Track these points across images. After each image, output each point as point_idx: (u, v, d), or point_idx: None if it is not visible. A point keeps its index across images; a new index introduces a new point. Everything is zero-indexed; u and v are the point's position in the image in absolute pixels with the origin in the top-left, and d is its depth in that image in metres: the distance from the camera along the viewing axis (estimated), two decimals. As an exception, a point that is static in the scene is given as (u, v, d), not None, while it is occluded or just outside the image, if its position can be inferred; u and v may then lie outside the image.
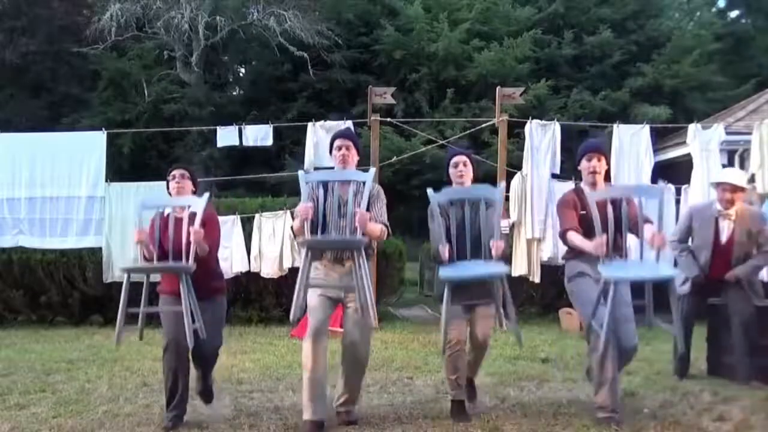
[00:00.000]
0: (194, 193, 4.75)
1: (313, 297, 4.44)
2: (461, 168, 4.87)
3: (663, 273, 4.39)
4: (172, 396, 4.47)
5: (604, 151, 4.90)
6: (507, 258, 4.79)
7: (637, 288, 4.46)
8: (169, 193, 4.71)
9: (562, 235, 4.78)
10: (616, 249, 4.49)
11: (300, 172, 4.56)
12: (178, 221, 4.52)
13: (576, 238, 4.62)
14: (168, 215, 4.57)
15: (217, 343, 4.83)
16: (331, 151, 4.70)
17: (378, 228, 4.50)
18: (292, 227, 4.69)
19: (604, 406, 4.50)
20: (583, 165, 4.81)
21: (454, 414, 4.63)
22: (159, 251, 4.53)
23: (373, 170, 4.53)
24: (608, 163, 4.88)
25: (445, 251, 4.47)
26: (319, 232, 4.41)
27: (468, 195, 4.67)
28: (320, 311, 4.43)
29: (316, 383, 4.34)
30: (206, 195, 4.64)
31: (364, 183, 4.43)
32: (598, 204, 4.42)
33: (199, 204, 4.48)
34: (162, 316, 4.57)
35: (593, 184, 4.76)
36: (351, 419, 4.55)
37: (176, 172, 4.67)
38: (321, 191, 4.47)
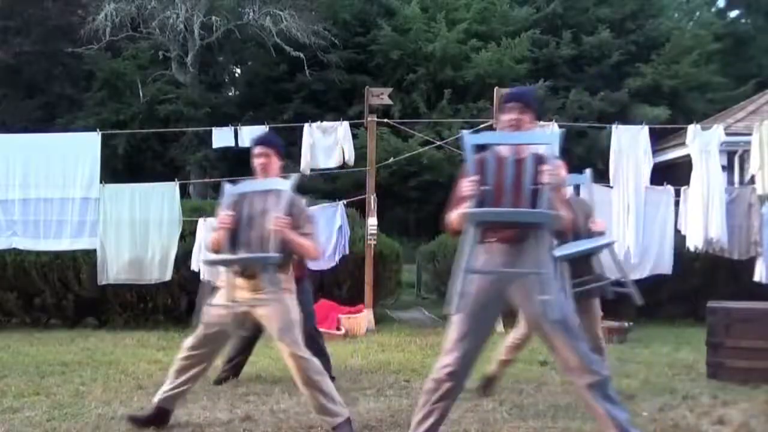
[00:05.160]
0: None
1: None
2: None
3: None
4: None
5: (529, 102, 3.85)
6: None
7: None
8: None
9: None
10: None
11: (227, 186, 4.42)
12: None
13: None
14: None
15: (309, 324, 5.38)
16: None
17: (306, 240, 4.30)
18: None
19: None
20: (502, 119, 3.88)
21: None
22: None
23: (294, 177, 4.36)
24: (535, 119, 3.84)
25: None
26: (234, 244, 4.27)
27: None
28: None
29: None
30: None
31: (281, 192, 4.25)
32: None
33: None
34: None
35: None
36: None
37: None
38: (241, 202, 4.34)
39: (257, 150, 4.45)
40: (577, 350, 3.55)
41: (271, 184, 4.35)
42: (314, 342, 5.94)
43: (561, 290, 3.72)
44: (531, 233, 3.51)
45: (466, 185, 3.52)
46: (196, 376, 4.42)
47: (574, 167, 5.48)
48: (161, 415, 4.40)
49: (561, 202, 3.66)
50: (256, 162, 4.43)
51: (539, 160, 3.58)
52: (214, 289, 4.45)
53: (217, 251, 4.34)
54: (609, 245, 5.01)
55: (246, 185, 4.44)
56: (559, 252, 4.53)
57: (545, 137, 3.84)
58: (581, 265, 4.92)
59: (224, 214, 4.26)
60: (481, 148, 3.73)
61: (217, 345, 4.42)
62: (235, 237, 4.27)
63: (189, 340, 4.37)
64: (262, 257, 4.15)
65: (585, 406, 3.80)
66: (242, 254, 4.23)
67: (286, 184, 4.29)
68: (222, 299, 4.28)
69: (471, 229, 3.49)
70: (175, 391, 4.39)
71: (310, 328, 5.97)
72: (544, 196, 3.45)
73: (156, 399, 4.43)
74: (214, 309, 4.29)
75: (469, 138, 3.64)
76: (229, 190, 4.38)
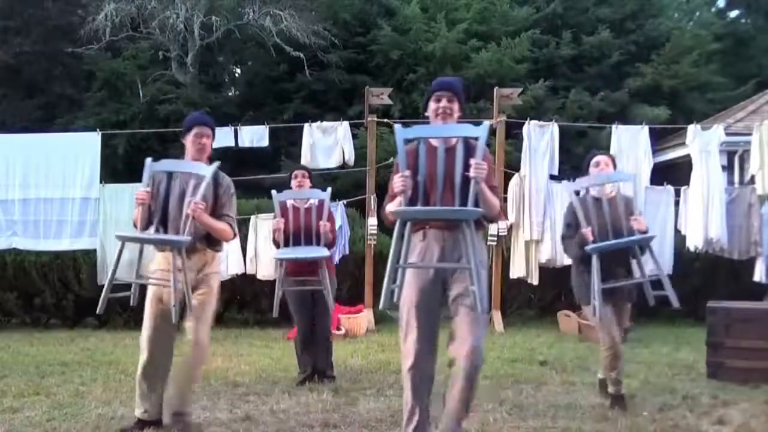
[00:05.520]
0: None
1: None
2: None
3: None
4: None
5: (458, 91, 3.88)
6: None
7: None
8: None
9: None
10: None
11: (147, 160, 4.31)
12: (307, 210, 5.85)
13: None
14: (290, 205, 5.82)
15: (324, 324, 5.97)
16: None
17: (220, 224, 4.32)
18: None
19: None
20: (431, 107, 3.84)
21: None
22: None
23: (215, 165, 4.28)
24: (461, 110, 3.85)
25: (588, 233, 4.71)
26: (156, 222, 4.27)
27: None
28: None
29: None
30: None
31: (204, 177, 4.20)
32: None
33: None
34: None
35: None
36: None
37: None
38: (165, 181, 4.30)
39: (201, 130, 4.41)
40: (477, 336, 3.64)
41: (194, 168, 4.28)
42: (322, 343, 5.89)
43: (485, 280, 3.76)
44: (464, 222, 3.59)
45: (397, 181, 3.60)
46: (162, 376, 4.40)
47: (575, 167, 5.49)
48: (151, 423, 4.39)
49: (491, 188, 3.72)
50: (197, 141, 4.38)
51: (469, 151, 3.66)
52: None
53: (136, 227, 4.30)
54: (646, 240, 4.78)
55: (169, 164, 4.40)
56: (592, 246, 4.58)
57: (474, 130, 3.83)
58: (618, 267, 4.86)
59: (142, 190, 4.22)
60: (412, 140, 3.81)
61: (168, 330, 4.32)
62: (153, 215, 4.27)
63: (144, 332, 4.36)
64: (172, 240, 4.14)
65: (449, 388, 3.81)
66: (155, 234, 4.24)
67: (208, 171, 4.23)
68: (155, 275, 4.34)
69: (403, 225, 3.57)
70: (150, 398, 4.38)
71: (324, 330, 5.92)
72: (473, 188, 3.56)
73: (137, 413, 4.42)
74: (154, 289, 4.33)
75: (401, 132, 3.70)
76: (149, 166, 4.28)
